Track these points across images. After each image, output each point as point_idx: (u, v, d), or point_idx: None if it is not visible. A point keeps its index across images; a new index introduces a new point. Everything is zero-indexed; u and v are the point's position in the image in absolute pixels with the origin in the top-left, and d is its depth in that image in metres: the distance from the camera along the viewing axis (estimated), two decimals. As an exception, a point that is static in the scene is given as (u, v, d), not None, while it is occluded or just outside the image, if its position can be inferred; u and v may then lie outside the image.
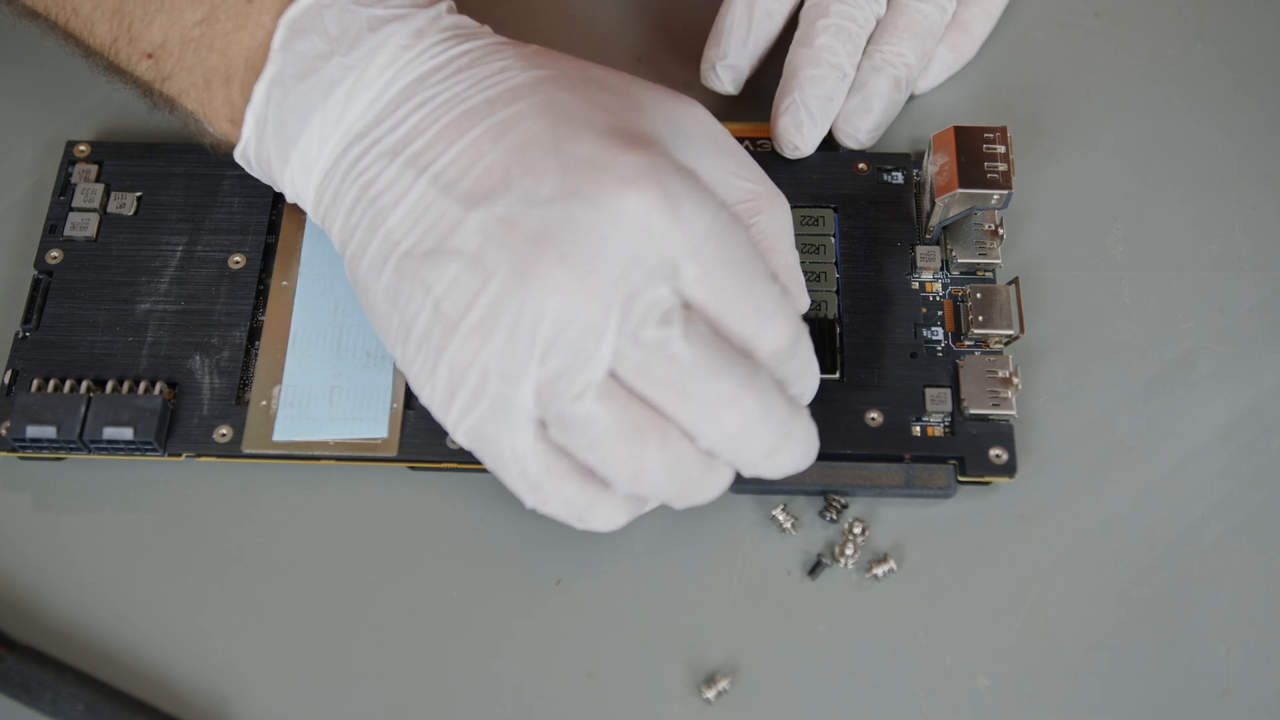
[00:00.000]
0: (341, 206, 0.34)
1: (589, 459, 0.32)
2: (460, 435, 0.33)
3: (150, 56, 0.36)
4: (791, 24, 0.43)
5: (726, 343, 0.32)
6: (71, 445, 0.37)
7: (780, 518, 0.37)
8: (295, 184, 0.35)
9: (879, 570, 0.37)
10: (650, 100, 0.34)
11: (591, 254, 0.31)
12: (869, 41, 0.42)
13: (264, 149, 0.35)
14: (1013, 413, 0.37)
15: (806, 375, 0.34)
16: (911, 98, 0.45)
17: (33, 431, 0.37)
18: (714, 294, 0.31)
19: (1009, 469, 0.37)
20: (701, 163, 0.34)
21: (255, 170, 0.37)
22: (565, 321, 0.31)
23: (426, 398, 0.33)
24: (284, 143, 0.35)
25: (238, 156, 0.36)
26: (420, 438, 0.38)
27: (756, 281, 0.32)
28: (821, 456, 0.37)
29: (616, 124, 0.32)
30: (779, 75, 0.42)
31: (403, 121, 0.33)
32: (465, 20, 0.36)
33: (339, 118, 0.34)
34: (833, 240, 0.41)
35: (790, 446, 0.32)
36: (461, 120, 0.33)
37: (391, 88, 0.34)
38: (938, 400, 0.38)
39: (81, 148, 0.43)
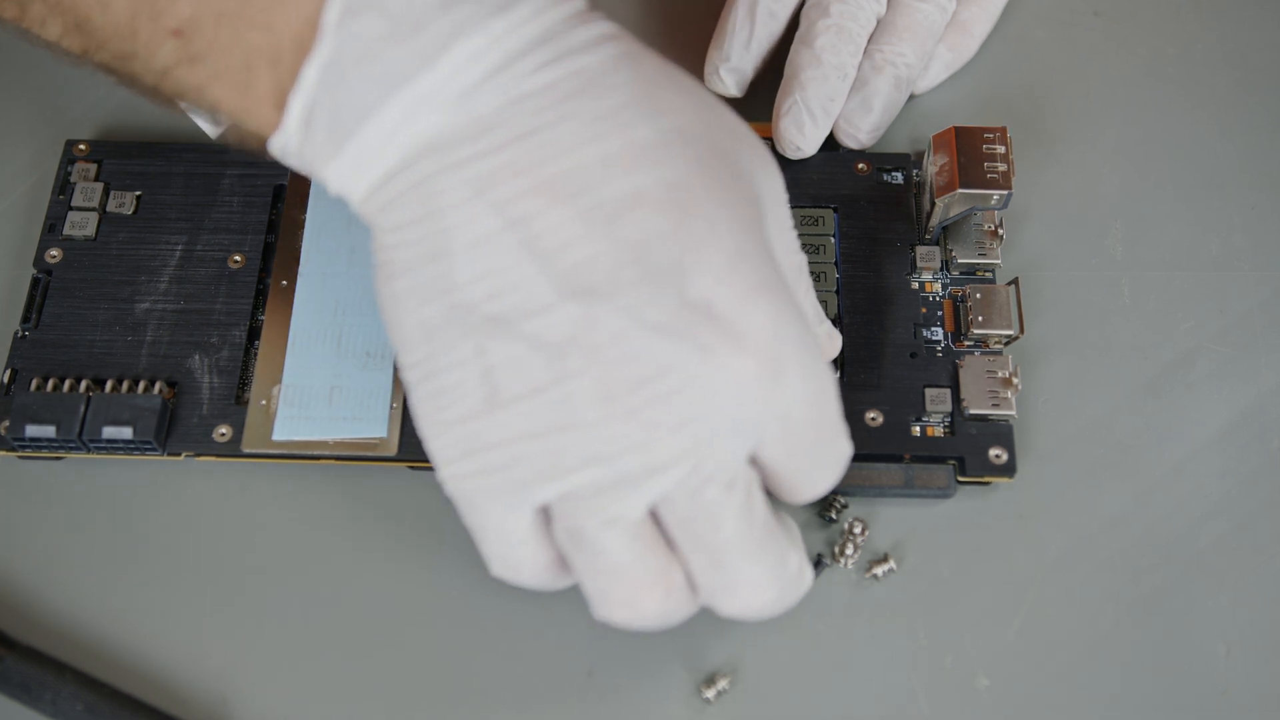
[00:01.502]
0: (396, 216, 0.30)
1: (581, 575, 0.31)
2: (449, 486, 0.31)
3: (178, 34, 0.30)
4: (793, 24, 0.43)
5: (771, 515, 0.31)
6: (71, 445, 0.37)
7: None
8: (343, 179, 0.31)
9: (879, 570, 0.37)
10: (759, 173, 0.31)
11: (682, 403, 0.28)
12: (869, 41, 0.42)
13: (311, 140, 0.30)
14: (1012, 413, 0.37)
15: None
16: (911, 97, 0.45)
17: (32, 431, 0.37)
18: (788, 454, 0.30)
19: (1009, 469, 0.37)
20: (777, 237, 0.32)
21: (292, 161, 0.32)
22: (630, 448, 0.29)
23: (424, 436, 0.31)
24: (337, 136, 0.30)
25: (274, 147, 0.31)
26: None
27: (832, 441, 0.31)
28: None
29: (740, 244, 0.29)
30: (779, 76, 0.42)
31: (493, 153, 0.29)
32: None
33: (408, 118, 0.29)
34: (833, 240, 0.41)
35: (777, 610, 0.33)
36: (570, 179, 0.28)
37: (480, 101, 0.29)
38: (937, 400, 0.38)
39: (81, 147, 0.42)
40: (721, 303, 0.28)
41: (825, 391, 0.30)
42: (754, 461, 0.31)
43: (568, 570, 0.32)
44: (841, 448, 0.32)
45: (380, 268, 0.31)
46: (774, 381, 0.29)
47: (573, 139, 0.29)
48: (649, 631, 0.32)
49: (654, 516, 0.30)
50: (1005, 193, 0.38)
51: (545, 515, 0.31)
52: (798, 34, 0.42)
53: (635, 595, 0.31)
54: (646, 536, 0.30)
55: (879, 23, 0.42)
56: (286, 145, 0.31)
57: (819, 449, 0.31)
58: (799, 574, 0.32)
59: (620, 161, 0.29)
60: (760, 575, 0.31)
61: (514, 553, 0.31)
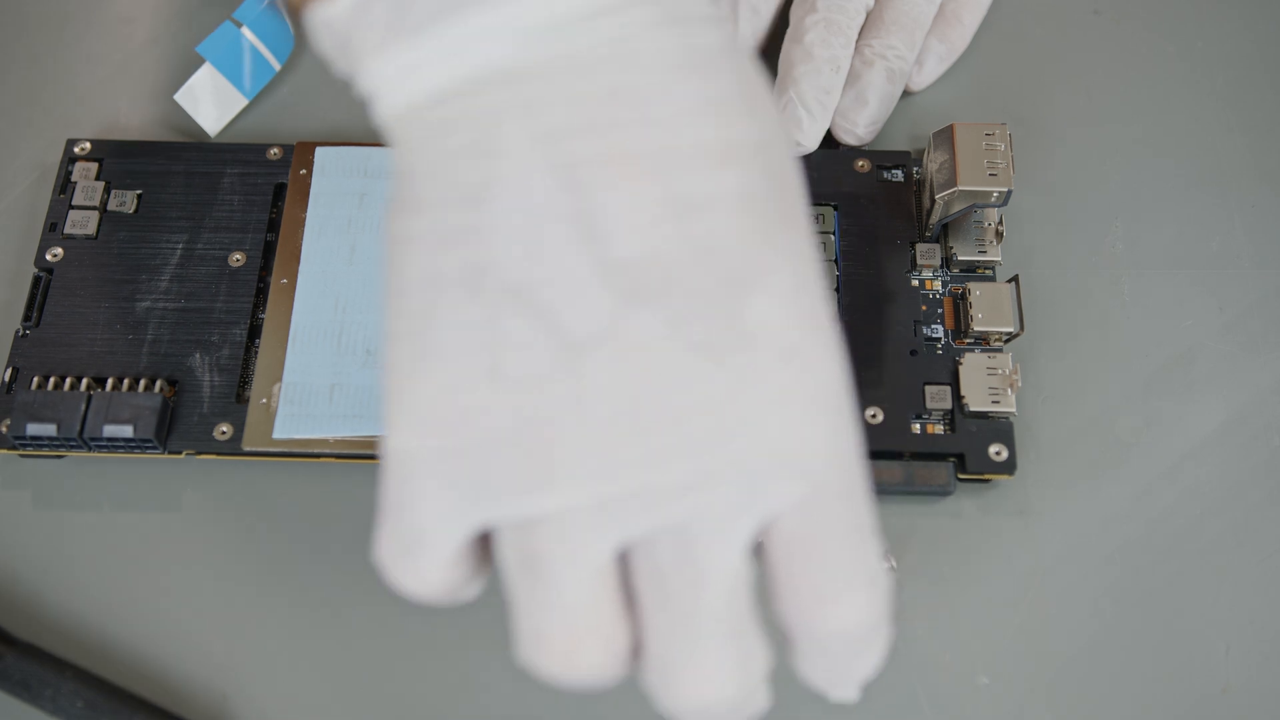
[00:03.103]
0: (442, 144, 0.25)
1: (520, 608, 0.26)
2: (394, 452, 0.26)
3: None
4: (781, 25, 0.44)
5: (752, 612, 0.26)
6: (72, 443, 0.37)
7: None
8: (386, 78, 0.26)
9: (879, 568, 0.37)
10: (804, 196, 0.27)
11: (706, 437, 0.24)
12: (859, 37, 0.42)
13: (364, 20, 0.26)
14: (1012, 410, 0.37)
15: (866, 662, 0.27)
16: (911, 95, 0.45)
17: (33, 429, 0.37)
18: (808, 535, 0.25)
19: (1009, 466, 0.37)
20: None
21: (329, 41, 0.27)
22: (626, 478, 0.24)
23: (393, 393, 0.26)
24: (400, 25, 0.25)
25: (317, 16, 0.27)
26: (420, 435, 0.38)
27: (861, 526, 0.26)
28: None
29: (805, 275, 0.26)
30: (775, 77, 0.42)
31: (575, 103, 0.25)
32: None
33: (489, 33, 0.25)
34: (833, 238, 0.41)
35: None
36: (652, 159, 0.25)
37: (576, 40, 0.25)
38: (937, 398, 0.38)
39: (82, 145, 0.43)
40: (776, 329, 0.25)
41: (859, 474, 0.26)
42: (761, 548, 0.26)
43: (463, 591, 0.27)
44: (874, 549, 0.26)
45: (398, 199, 0.26)
46: (810, 426, 0.25)
47: (669, 116, 0.25)
48: (568, 689, 0.27)
49: (623, 561, 0.26)
50: (1005, 190, 0.38)
51: (484, 531, 0.26)
52: (787, 32, 0.43)
53: (576, 646, 0.25)
54: (609, 582, 0.25)
55: (868, 16, 0.43)
56: (332, 18, 0.26)
57: (845, 549, 0.25)
58: (761, 686, 0.26)
59: (711, 155, 0.25)
60: (726, 661, 0.25)
61: (438, 559, 0.26)
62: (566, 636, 0.25)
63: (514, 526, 0.25)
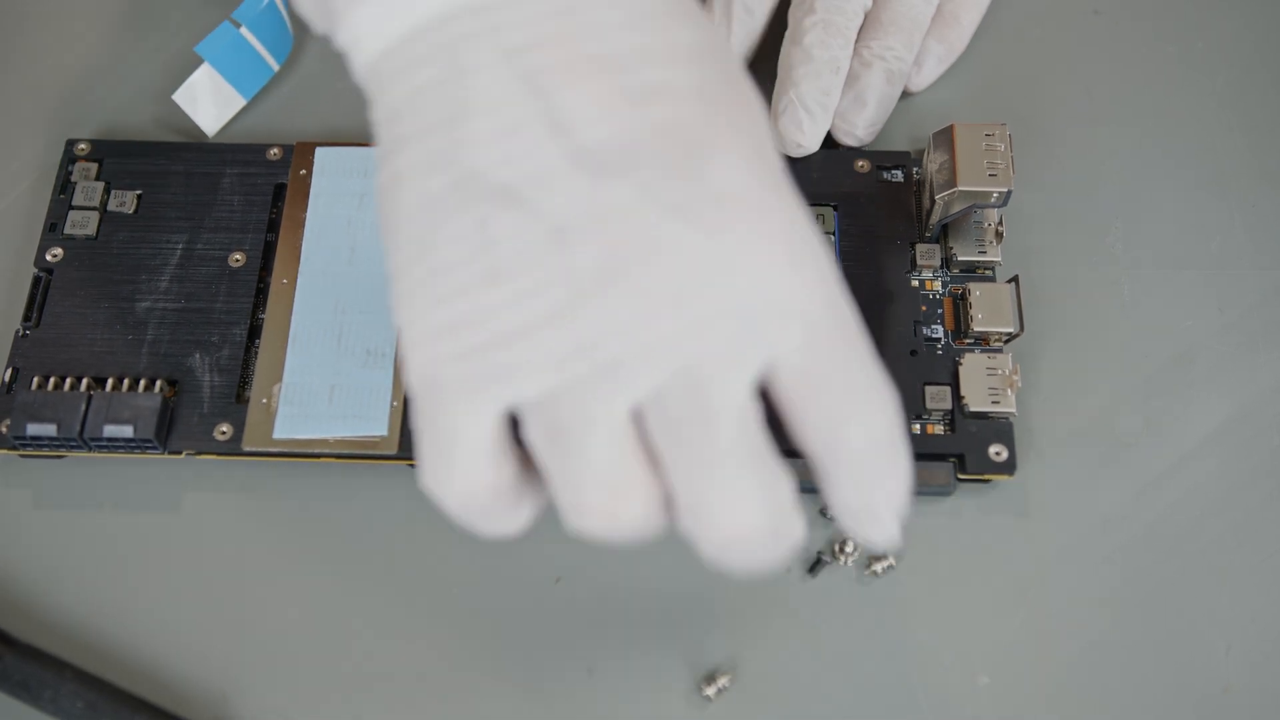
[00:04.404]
0: (414, 79, 0.28)
1: (557, 480, 0.28)
2: (420, 372, 0.28)
3: None
4: (778, 26, 0.44)
5: (767, 443, 0.28)
6: (72, 443, 0.37)
7: None
8: (363, 28, 0.29)
9: (878, 567, 0.37)
10: (754, 90, 0.30)
11: (694, 287, 0.26)
12: (857, 38, 0.42)
13: None
14: (1012, 410, 0.37)
15: (893, 479, 0.28)
16: (910, 96, 0.45)
17: (33, 429, 0.37)
18: (813, 364, 0.27)
19: (1008, 466, 0.37)
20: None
21: (306, 4, 0.30)
22: (625, 337, 0.26)
23: (407, 318, 0.28)
24: None
25: None
26: (420, 435, 0.38)
27: (863, 358, 0.28)
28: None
29: (761, 144, 0.28)
30: (773, 79, 0.42)
31: (531, 23, 0.28)
32: None
33: None
34: (833, 238, 0.41)
35: (764, 552, 0.28)
36: (605, 60, 0.27)
37: None
38: (937, 398, 0.38)
39: (82, 146, 0.43)
40: (742, 190, 0.27)
41: (844, 301, 0.28)
42: (771, 383, 0.27)
43: (507, 503, 0.29)
44: (876, 368, 0.28)
45: (384, 147, 0.29)
46: (794, 271, 0.27)
47: (616, 25, 0.28)
48: (621, 542, 0.29)
49: (637, 422, 0.27)
50: (1005, 190, 0.38)
51: (510, 425, 0.28)
52: (786, 34, 0.43)
53: (613, 503, 0.27)
54: (630, 441, 0.27)
55: (866, 17, 0.43)
56: None
57: (850, 373, 0.27)
58: (791, 511, 0.28)
59: (657, 55, 0.28)
60: (752, 491, 0.27)
61: (473, 450, 0.28)
62: (603, 497, 0.27)
63: (535, 408, 0.27)
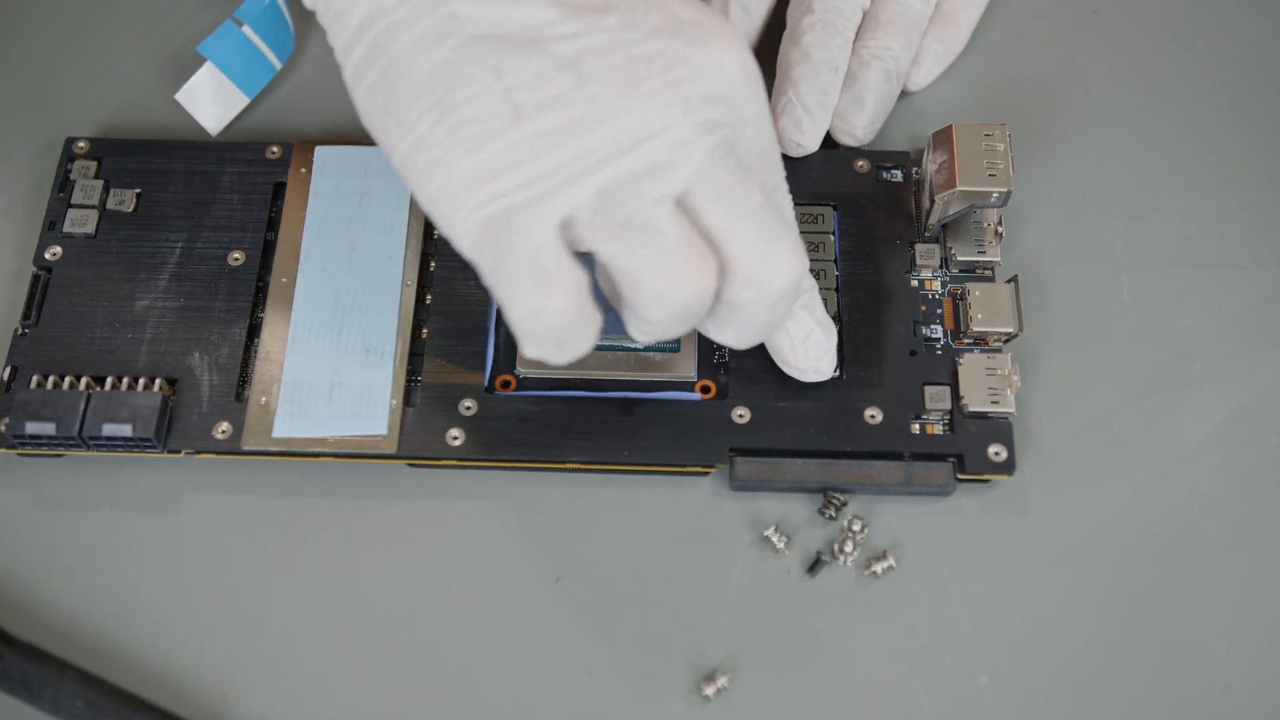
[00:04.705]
0: (394, 13, 0.31)
1: (632, 268, 0.31)
2: (475, 219, 0.31)
3: None
4: (777, 28, 0.44)
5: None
6: (71, 442, 0.37)
7: (774, 539, 0.37)
8: None
9: (878, 567, 0.37)
10: None
11: (697, 86, 0.31)
12: (855, 38, 0.42)
13: None
14: (1011, 410, 0.37)
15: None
16: (909, 95, 0.45)
17: (32, 428, 0.37)
18: (762, 160, 0.33)
19: (1008, 466, 0.37)
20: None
21: None
22: (659, 129, 0.30)
23: (443, 180, 0.31)
24: None
25: None
26: (419, 435, 0.38)
27: (779, 212, 0.33)
28: (821, 454, 0.38)
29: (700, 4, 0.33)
30: (772, 79, 0.42)
31: None
32: None
33: None
34: (832, 238, 0.41)
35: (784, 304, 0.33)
36: None
37: None
38: (937, 398, 0.38)
39: (81, 144, 0.42)
40: (702, 17, 0.32)
41: (777, 148, 0.34)
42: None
43: (589, 301, 0.31)
44: (791, 239, 0.33)
45: (373, 37, 0.31)
46: (752, 79, 0.32)
47: None
48: (690, 320, 0.32)
49: (687, 205, 0.31)
50: (1004, 190, 0.38)
51: (569, 236, 0.31)
52: (785, 34, 0.43)
53: (697, 269, 0.31)
54: (684, 217, 0.31)
55: (864, 17, 0.43)
56: None
57: (764, 211, 0.32)
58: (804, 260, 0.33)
59: None
60: (796, 241, 0.32)
61: (549, 262, 0.31)
62: (690, 269, 0.31)
63: (592, 211, 0.30)
